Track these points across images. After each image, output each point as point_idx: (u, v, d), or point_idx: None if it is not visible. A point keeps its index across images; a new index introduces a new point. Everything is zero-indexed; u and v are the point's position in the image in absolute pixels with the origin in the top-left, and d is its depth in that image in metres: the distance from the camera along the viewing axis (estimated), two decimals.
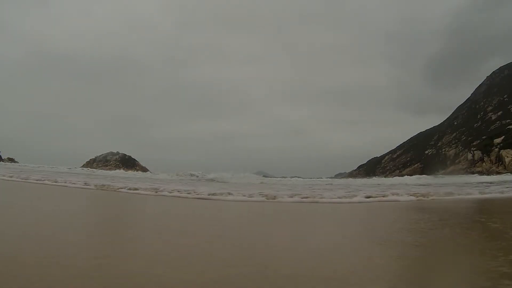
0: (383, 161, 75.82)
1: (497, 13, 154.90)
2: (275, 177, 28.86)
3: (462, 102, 76.12)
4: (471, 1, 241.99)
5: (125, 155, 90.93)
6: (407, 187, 12.43)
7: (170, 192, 7.91)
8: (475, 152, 50.26)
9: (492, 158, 46.88)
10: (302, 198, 7.04)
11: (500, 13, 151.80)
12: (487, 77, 73.65)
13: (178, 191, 7.93)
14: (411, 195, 7.54)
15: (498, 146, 47.01)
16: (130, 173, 30.70)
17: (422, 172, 57.62)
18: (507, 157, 44.30)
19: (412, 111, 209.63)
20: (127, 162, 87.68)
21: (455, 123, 69.71)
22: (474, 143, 53.50)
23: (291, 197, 7.12)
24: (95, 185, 9.13)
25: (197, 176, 21.42)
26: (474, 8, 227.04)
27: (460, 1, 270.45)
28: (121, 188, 8.87)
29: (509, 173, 32.72)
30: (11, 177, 12.23)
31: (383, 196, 7.38)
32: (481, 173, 39.13)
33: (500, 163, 45.10)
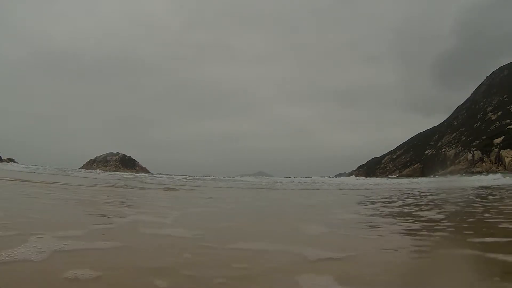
0: (383, 161, 75.75)
1: (508, 13, 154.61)
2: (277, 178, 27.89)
3: (462, 102, 76.17)
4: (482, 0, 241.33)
5: (125, 155, 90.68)
6: None
7: None
8: (475, 152, 50.24)
9: (492, 158, 46.88)
10: None
11: (510, 13, 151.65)
12: (487, 77, 73.42)
13: None
14: None
15: (498, 146, 47.01)
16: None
17: (422, 172, 57.61)
18: (507, 157, 44.29)
19: (418, 110, 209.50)
20: (127, 163, 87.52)
21: (455, 123, 69.66)
22: (474, 143, 53.49)
23: None
24: None
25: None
26: (485, 7, 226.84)
27: (471, 0, 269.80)
28: None
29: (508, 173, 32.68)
30: None
31: None
32: (481, 173, 39.14)
33: (500, 163, 45.09)
